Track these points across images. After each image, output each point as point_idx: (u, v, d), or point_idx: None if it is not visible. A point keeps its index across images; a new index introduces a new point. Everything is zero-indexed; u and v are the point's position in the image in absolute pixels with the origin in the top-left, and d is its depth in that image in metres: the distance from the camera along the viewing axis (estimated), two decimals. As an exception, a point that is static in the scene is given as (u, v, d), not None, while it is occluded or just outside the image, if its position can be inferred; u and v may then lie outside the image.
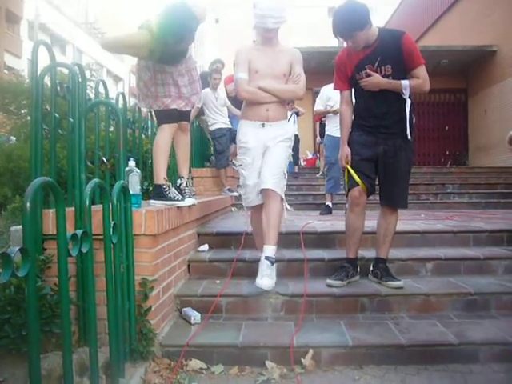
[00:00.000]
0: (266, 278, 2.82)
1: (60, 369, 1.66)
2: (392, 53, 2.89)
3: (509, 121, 10.00)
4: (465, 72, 12.68)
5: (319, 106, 5.93)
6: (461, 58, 11.68)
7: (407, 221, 4.36)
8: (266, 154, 3.10)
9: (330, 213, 5.66)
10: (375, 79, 2.91)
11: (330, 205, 5.79)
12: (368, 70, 2.93)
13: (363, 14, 2.80)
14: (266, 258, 2.90)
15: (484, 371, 2.36)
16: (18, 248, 1.34)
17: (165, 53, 2.87)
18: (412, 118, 3.03)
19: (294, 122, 9.37)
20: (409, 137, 2.98)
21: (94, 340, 1.84)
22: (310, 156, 11.26)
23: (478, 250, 3.55)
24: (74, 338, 2.29)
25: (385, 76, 2.92)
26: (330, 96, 5.53)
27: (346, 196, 3.13)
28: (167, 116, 3.11)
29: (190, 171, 6.14)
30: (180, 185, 3.31)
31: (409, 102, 2.96)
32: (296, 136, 9.53)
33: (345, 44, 3.02)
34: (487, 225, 4.10)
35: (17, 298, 1.97)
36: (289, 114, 9.24)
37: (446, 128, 13.25)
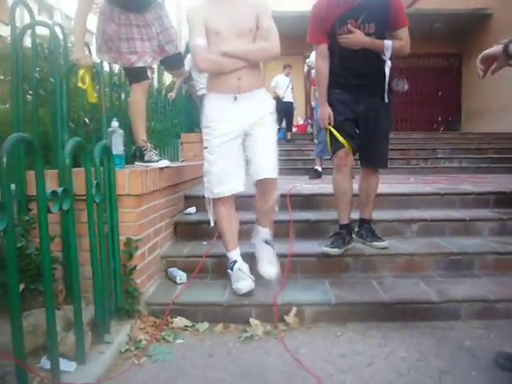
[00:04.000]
0: (269, 264, 2.59)
1: (45, 324, 1.69)
2: (378, 10, 2.70)
3: (502, 85, 9.90)
4: (459, 36, 12.44)
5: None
6: (455, 22, 11.44)
7: (395, 184, 4.39)
8: (251, 138, 2.55)
9: (320, 177, 5.67)
10: (357, 37, 2.70)
11: (320, 169, 5.80)
12: (350, 26, 2.70)
13: None
14: (266, 242, 2.65)
15: (464, 327, 2.40)
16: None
17: None
18: (391, 80, 2.88)
19: (292, 88, 9.29)
20: (386, 100, 2.86)
21: (78, 298, 1.87)
22: (301, 122, 11.20)
23: (464, 211, 3.58)
24: (62, 296, 2.33)
25: (367, 34, 2.71)
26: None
27: (331, 158, 3.03)
28: (135, 75, 2.94)
29: (179, 137, 6.14)
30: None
31: (389, 63, 2.80)
32: (292, 104, 9.44)
33: None
34: (474, 187, 4.13)
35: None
36: (287, 80, 9.23)
37: (439, 93, 13.14)
